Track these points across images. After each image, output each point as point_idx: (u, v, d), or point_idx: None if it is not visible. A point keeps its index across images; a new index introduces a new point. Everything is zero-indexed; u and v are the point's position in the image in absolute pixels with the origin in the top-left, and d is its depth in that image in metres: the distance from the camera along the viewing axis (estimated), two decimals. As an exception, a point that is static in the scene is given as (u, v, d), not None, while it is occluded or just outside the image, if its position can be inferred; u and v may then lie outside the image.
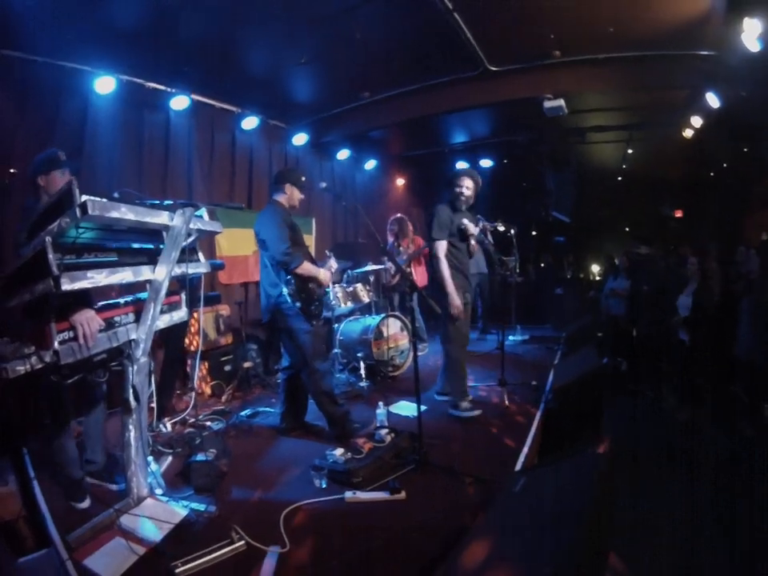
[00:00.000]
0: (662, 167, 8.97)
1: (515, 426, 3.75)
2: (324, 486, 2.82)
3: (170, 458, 3.27)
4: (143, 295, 2.56)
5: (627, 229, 11.54)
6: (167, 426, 3.83)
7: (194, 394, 4.03)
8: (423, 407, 3.21)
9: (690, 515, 2.95)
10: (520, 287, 6.96)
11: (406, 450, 3.15)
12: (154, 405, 3.68)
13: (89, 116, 4.22)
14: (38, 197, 2.58)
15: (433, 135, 7.66)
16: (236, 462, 3.20)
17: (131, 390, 2.43)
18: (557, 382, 4.39)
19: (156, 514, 2.41)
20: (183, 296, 2.90)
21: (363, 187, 8.30)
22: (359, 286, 5.15)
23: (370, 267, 5.67)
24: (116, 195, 2.17)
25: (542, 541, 1.85)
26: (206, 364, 4.76)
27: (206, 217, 2.77)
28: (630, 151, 7.98)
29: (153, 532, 2.30)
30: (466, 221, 4.03)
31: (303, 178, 3.69)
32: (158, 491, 2.68)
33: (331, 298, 4.67)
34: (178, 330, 4.03)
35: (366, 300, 5.20)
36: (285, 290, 3.38)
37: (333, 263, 3.80)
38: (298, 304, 3.37)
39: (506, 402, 4.20)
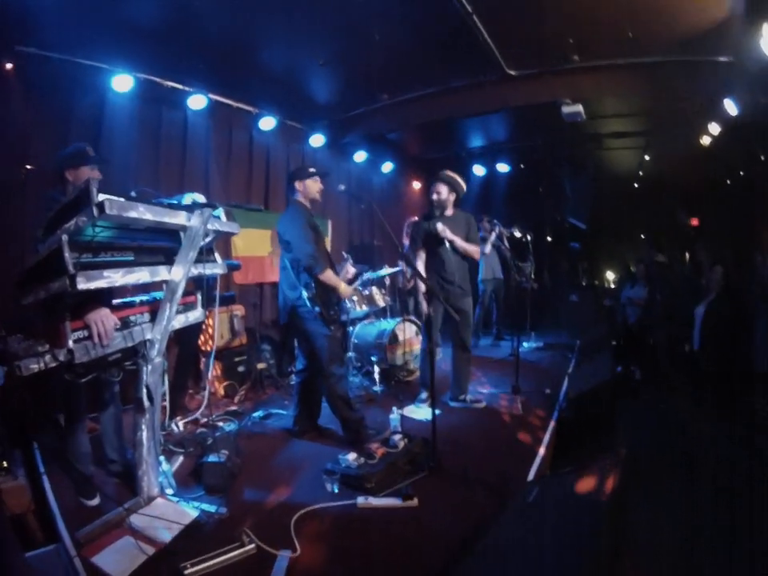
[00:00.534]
0: (679, 174, 8.84)
1: (529, 434, 3.71)
2: (336, 490, 2.80)
3: (181, 458, 3.27)
4: (159, 294, 2.56)
5: (642, 236, 11.39)
6: (179, 425, 3.83)
7: (206, 393, 4.03)
8: (437, 411, 3.18)
9: (707, 526, 2.87)
10: (535, 293, 6.90)
11: (419, 456, 3.12)
12: (166, 403, 3.68)
13: (105, 114, 4.23)
14: (65, 190, 2.57)
15: (450, 138, 7.64)
16: (248, 463, 3.19)
17: (145, 390, 2.43)
18: (571, 390, 4.35)
19: (166, 514, 2.41)
20: (199, 296, 2.89)
21: (380, 190, 8.25)
22: (375, 289, 5.11)
23: (386, 270, 5.62)
24: (133, 194, 2.15)
25: (552, 557, 1.81)
26: (220, 364, 4.76)
27: (223, 217, 2.74)
28: (646, 158, 7.87)
29: (162, 532, 2.29)
30: (434, 223, 4.06)
31: (312, 169, 3.61)
32: (169, 491, 2.69)
33: (347, 301, 4.63)
34: (193, 329, 4.02)
35: (382, 304, 5.15)
36: (304, 294, 3.34)
37: (350, 268, 3.77)
38: (317, 309, 3.32)
39: (520, 410, 4.16)
